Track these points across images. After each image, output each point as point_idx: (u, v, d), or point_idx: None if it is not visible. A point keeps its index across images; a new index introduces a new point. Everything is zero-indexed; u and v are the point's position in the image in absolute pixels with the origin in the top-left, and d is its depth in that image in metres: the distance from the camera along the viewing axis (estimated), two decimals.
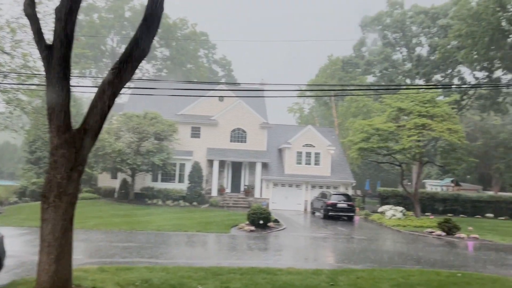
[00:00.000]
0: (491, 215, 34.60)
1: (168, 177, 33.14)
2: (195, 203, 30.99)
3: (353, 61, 52.86)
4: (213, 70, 70.89)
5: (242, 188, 34.55)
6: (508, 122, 49.50)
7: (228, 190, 34.25)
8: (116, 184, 33.12)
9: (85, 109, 31.26)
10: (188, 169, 32.98)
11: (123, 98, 44.88)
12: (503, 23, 32.94)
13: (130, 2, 58.59)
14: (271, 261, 12.76)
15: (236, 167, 34.83)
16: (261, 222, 20.04)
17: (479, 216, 34.17)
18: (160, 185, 32.53)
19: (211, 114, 34.86)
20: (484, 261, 14.86)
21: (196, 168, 32.49)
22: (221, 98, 35.20)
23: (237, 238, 17.56)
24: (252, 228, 19.50)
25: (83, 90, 69.00)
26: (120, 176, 32.19)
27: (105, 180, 35.86)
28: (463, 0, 35.32)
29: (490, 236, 21.59)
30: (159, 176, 32.97)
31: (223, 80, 66.38)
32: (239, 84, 47.37)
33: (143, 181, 32.46)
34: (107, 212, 24.13)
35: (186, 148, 33.66)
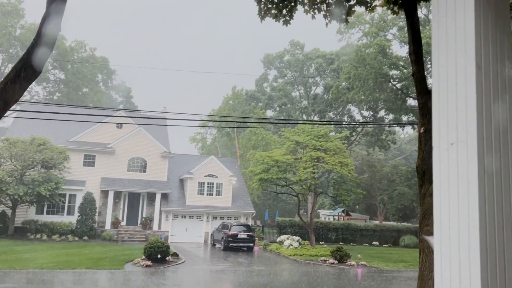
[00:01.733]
0: (377, 242, 37.40)
1: (55, 209, 30.27)
2: (85, 238, 28.66)
3: (255, 95, 54.85)
4: (111, 96, 67.95)
5: (139, 221, 32.90)
6: (390, 157, 55.04)
7: (123, 222, 32.31)
8: None
9: None
10: (79, 200, 30.48)
11: (7, 121, 40.64)
12: (385, 68, 37.01)
13: (21, 20, 54.19)
14: None
15: (134, 198, 33.18)
16: (159, 256, 19.19)
17: (366, 244, 36.71)
18: (45, 217, 29.51)
19: (107, 141, 32.99)
20: (371, 286, 15.89)
21: (88, 199, 30.16)
22: (119, 125, 33.62)
23: (131, 274, 16.53)
24: (149, 263, 18.56)
25: None
26: None
27: None
28: (355, 47, 39.07)
29: (376, 262, 23.29)
30: (45, 208, 29.98)
31: (121, 107, 63.84)
32: (139, 111, 45.80)
33: (26, 213, 29.19)
34: None
35: (78, 178, 31.24)
